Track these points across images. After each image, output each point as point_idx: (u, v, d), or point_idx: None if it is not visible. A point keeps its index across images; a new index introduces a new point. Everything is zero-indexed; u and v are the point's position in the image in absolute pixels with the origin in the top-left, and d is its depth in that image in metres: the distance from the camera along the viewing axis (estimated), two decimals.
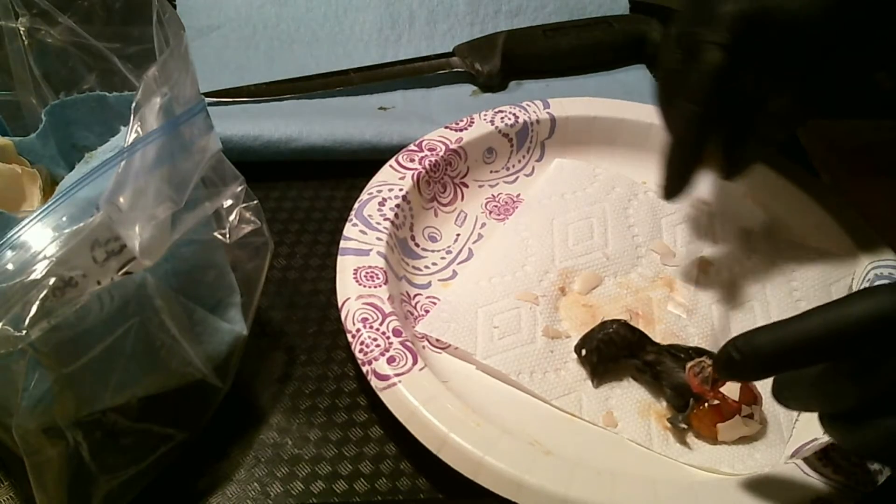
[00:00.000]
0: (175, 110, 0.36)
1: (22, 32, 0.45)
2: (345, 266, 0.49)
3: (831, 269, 0.52)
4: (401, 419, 0.42)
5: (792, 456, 0.43)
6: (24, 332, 0.31)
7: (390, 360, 0.44)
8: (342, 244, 0.50)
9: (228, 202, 0.41)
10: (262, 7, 0.71)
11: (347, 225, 0.51)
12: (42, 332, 0.32)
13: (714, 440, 0.44)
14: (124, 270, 0.33)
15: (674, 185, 0.47)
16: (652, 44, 0.69)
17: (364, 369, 0.44)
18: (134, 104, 0.35)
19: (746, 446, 0.44)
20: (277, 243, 0.54)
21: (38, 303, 0.32)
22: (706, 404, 0.44)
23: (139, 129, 0.35)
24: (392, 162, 0.55)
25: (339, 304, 0.47)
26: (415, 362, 0.44)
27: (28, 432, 0.35)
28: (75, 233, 0.32)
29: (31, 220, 0.33)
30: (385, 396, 0.43)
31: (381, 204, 0.52)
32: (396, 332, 0.45)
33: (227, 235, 0.41)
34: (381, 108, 0.65)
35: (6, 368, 0.34)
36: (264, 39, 0.70)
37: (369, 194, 0.53)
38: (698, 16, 0.45)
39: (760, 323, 0.49)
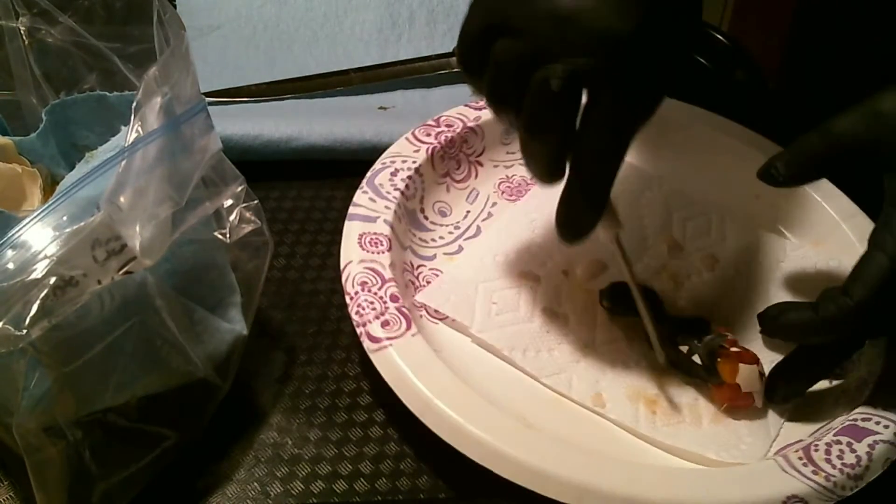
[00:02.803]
0: (175, 110, 0.36)
1: (22, 32, 0.45)
2: (350, 231, 0.49)
3: (839, 274, 0.51)
4: (389, 382, 0.43)
5: (776, 454, 0.43)
6: (25, 331, 0.31)
7: (384, 324, 0.44)
8: (350, 210, 0.50)
9: (229, 202, 0.41)
10: (262, 7, 0.71)
11: (358, 192, 0.51)
12: (42, 331, 0.32)
13: (731, 385, 0.44)
14: (125, 270, 0.33)
15: (590, 228, 0.42)
16: None
17: (358, 331, 0.44)
18: (134, 104, 0.35)
19: (734, 434, 0.44)
20: (277, 243, 0.54)
21: (38, 302, 0.32)
22: (731, 350, 0.45)
23: (139, 128, 0.35)
24: (408, 134, 0.55)
25: (342, 268, 0.47)
26: (408, 328, 0.44)
27: (28, 432, 0.35)
28: (76, 232, 0.32)
29: (31, 220, 0.33)
30: (375, 359, 0.43)
31: (394, 174, 0.53)
32: (394, 298, 0.46)
33: (228, 235, 0.41)
34: (381, 108, 0.65)
35: (6, 368, 0.34)
36: (264, 39, 0.70)
37: (382, 164, 0.53)
38: (577, 36, 0.37)
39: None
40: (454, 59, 0.68)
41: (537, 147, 0.41)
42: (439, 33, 0.71)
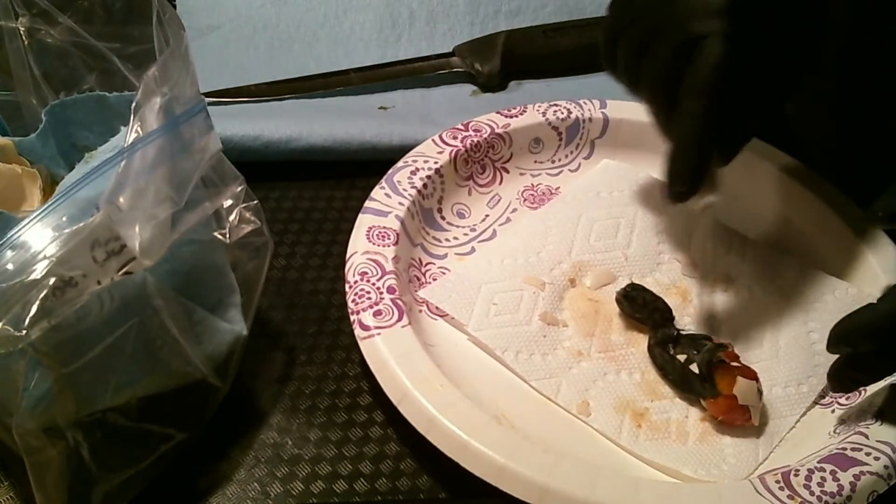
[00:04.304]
0: (175, 110, 0.36)
1: (22, 32, 0.45)
2: (361, 223, 0.50)
3: (854, 308, 0.48)
4: (372, 369, 0.44)
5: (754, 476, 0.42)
6: (24, 332, 0.31)
7: (376, 314, 0.46)
8: (365, 204, 0.52)
9: (228, 202, 0.41)
10: (262, 7, 0.71)
11: (376, 188, 0.52)
12: (42, 332, 0.32)
13: (727, 397, 0.43)
14: (124, 270, 0.33)
15: (690, 185, 0.46)
16: None
17: (352, 318, 0.46)
18: (134, 104, 0.35)
19: (717, 454, 0.43)
20: (277, 243, 0.54)
21: (38, 303, 0.32)
22: (732, 364, 0.44)
23: (139, 129, 0.35)
24: (435, 136, 0.56)
25: (346, 257, 0.49)
26: (399, 318, 0.45)
27: (28, 432, 0.35)
28: (75, 233, 0.32)
29: (31, 220, 0.33)
30: (363, 346, 0.45)
31: (413, 173, 0.54)
32: (391, 290, 0.47)
33: (227, 235, 0.41)
34: (381, 108, 0.65)
35: (6, 368, 0.34)
36: (264, 39, 0.70)
37: (404, 162, 0.54)
38: (683, 10, 0.44)
39: (766, 349, 0.48)
40: (454, 58, 0.68)
41: (654, 112, 0.47)
42: (439, 33, 0.71)
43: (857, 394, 0.45)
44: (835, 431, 0.44)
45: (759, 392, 0.44)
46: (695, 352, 0.46)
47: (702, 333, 0.47)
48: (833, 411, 0.45)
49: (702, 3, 0.44)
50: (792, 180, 0.55)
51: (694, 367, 0.45)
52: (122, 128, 0.38)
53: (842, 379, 0.43)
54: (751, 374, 0.44)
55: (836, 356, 0.43)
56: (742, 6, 0.43)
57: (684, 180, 0.46)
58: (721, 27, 0.43)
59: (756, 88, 0.46)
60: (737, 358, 0.45)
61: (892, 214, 0.44)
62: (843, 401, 0.46)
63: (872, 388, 0.45)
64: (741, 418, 0.44)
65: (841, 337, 0.42)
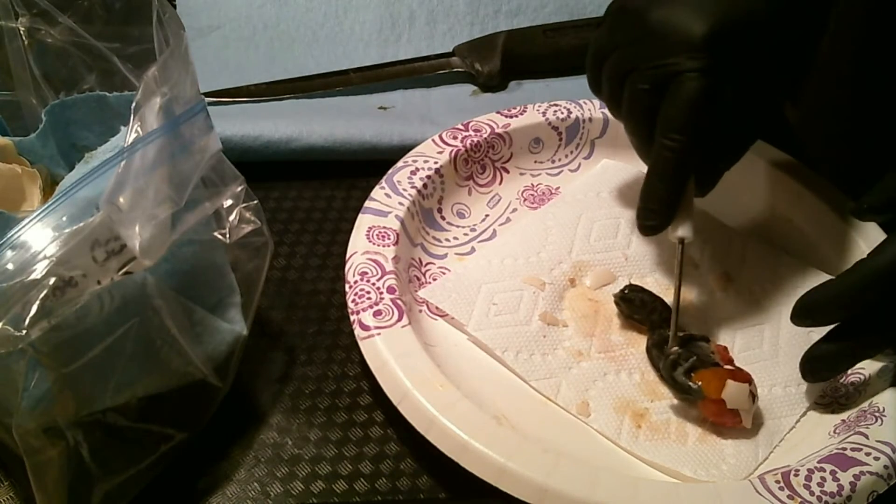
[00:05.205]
0: (175, 110, 0.36)
1: (22, 32, 0.45)
2: (361, 223, 0.50)
3: None
4: (372, 369, 0.44)
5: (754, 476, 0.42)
6: (24, 331, 0.32)
7: (376, 314, 0.46)
8: (365, 204, 0.52)
9: (228, 202, 0.41)
10: (262, 7, 0.71)
11: (376, 188, 0.53)
12: (42, 332, 0.32)
13: (717, 400, 0.43)
14: (124, 270, 0.33)
15: (660, 220, 0.46)
16: None
17: (352, 318, 0.46)
18: (134, 104, 0.35)
19: (717, 454, 0.43)
20: (277, 243, 0.54)
21: (38, 303, 0.32)
22: (725, 367, 0.44)
23: (139, 129, 0.35)
24: (435, 136, 0.56)
25: (346, 257, 0.49)
26: (399, 318, 0.45)
27: (28, 432, 0.35)
28: (75, 233, 0.32)
29: (31, 220, 0.33)
30: (363, 346, 0.45)
31: (413, 173, 0.54)
32: (391, 290, 0.47)
33: (227, 235, 0.41)
34: (381, 108, 0.65)
35: (6, 368, 0.34)
36: (264, 39, 0.70)
37: (404, 162, 0.54)
38: (662, 44, 0.44)
39: (766, 349, 0.48)
40: (454, 58, 0.68)
41: (634, 140, 0.47)
42: (439, 33, 0.71)
43: (858, 393, 0.45)
44: (835, 431, 0.44)
45: (753, 396, 0.43)
46: (686, 355, 0.45)
47: (700, 334, 0.47)
48: (833, 411, 0.45)
49: (681, 37, 0.43)
50: (791, 179, 0.55)
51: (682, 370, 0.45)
52: (122, 128, 0.38)
53: (812, 363, 0.44)
54: (743, 378, 0.44)
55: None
56: (722, 42, 0.43)
57: (654, 215, 0.46)
58: (698, 64, 0.43)
59: (734, 124, 0.46)
60: (731, 361, 0.45)
61: (874, 207, 0.44)
62: (843, 401, 0.46)
63: (872, 389, 0.45)
64: (731, 421, 0.43)
65: (802, 308, 0.43)
